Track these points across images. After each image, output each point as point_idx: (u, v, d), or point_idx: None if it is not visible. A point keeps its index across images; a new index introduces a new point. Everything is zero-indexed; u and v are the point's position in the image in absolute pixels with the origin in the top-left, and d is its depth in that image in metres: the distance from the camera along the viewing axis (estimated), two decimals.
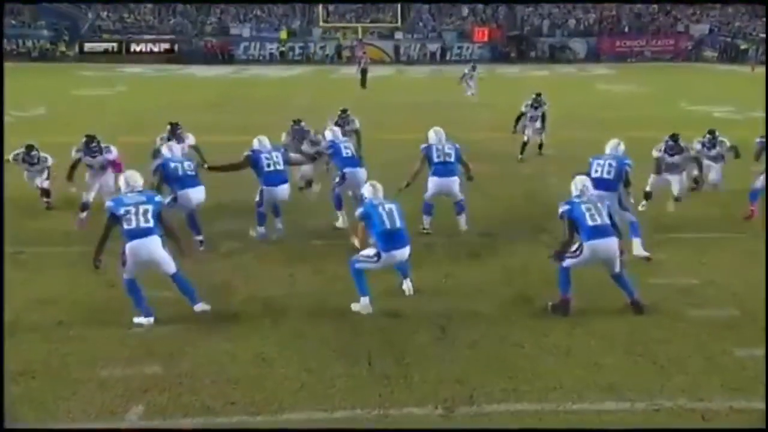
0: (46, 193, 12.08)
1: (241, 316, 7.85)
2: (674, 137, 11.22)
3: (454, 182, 10.43)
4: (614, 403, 5.97)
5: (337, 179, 10.88)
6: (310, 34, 55.06)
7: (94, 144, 11.46)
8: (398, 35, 54.44)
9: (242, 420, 5.80)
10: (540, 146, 16.69)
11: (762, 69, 37.93)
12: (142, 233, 7.17)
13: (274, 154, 10.29)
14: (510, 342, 7.14)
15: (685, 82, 36.57)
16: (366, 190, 8.23)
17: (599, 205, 7.80)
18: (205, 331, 7.41)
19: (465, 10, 57.17)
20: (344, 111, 14.23)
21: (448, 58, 53.03)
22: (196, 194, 9.82)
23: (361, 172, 10.76)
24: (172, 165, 9.83)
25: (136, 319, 7.41)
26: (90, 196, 11.26)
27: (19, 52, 49.76)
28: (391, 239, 7.67)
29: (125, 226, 7.17)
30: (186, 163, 9.99)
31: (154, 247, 7.30)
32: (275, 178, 10.14)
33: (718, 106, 23.44)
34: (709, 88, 30.15)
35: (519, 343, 7.09)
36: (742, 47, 48.47)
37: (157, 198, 7.79)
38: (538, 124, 16.34)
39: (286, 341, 7.09)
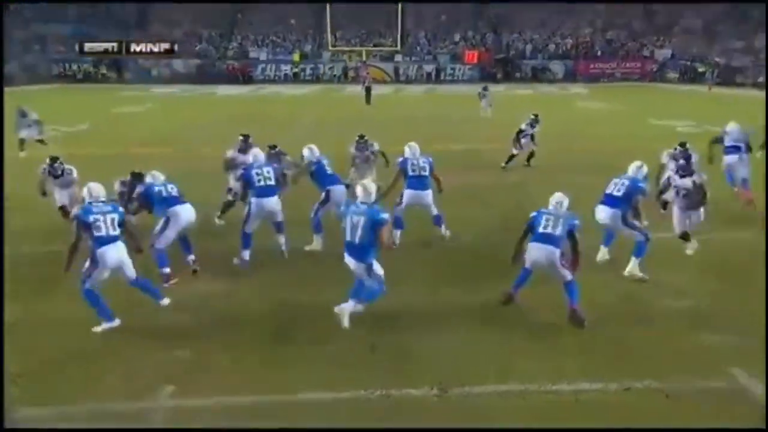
0: (65, 212, 10.44)
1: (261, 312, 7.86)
2: (685, 153, 10.38)
3: (428, 194, 9.95)
4: (588, 384, 5.98)
5: (321, 198, 9.87)
6: (320, 56, 55.18)
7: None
8: (398, 58, 54.54)
9: (257, 399, 5.83)
10: (529, 158, 16.35)
11: (718, 90, 37.99)
12: (110, 240, 6.98)
13: (265, 169, 9.31)
14: (498, 332, 7.11)
15: (650, 100, 36.59)
16: (357, 190, 7.27)
17: (561, 219, 7.40)
18: (225, 324, 7.43)
19: (457, 36, 57.33)
20: (362, 137, 12.71)
21: (442, 78, 53.27)
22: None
23: (344, 190, 9.96)
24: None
25: (101, 326, 7.07)
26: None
27: (66, 74, 50.10)
28: (348, 247, 7.06)
29: (95, 233, 6.93)
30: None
31: (122, 252, 7.12)
32: (265, 191, 9.15)
33: (680, 121, 23.52)
34: (671, 106, 30.26)
35: (507, 334, 7.06)
36: (700, 70, 48.44)
37: (121, 208, 7.58)
38: (529, 139, 16.13)
39: (299, 337, 7.06)
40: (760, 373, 6.01)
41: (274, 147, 11.63)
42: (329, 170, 10.06)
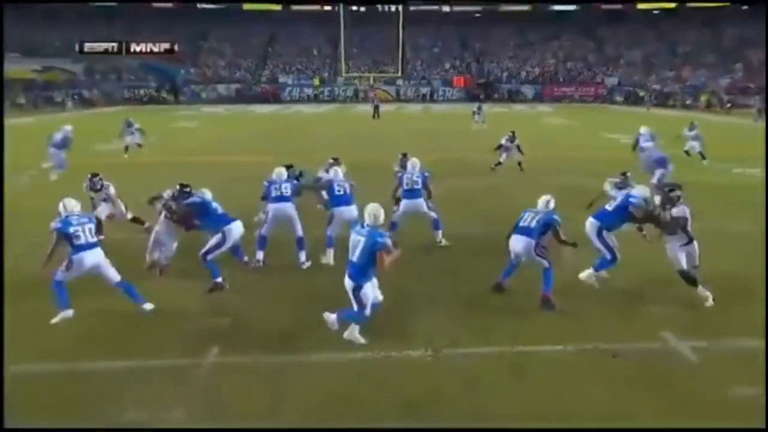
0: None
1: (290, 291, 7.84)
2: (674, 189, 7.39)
3: (420, 203, 9.23)
4: (551, 346, 6.02)
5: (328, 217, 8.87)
6: (335, 81, 55.08)
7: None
8: (399, 82, 54.47)
9: (285, 358, 5.83)
10: (519, 164, 16.03)
11: (654, 110, 37.68)
12: (89, 246, 6.59)
13: (283, 185, 8.56)
14: (481, 311, 7.07)
15: (602, 118, 36.32)
16: (365, 213, 6.11)
17: (540, 215, 7.07)
18: (255, 302, 7.43)
19: (447, 64, 57.20)
20: (404, 155, 11.36)
21: (435, 98, 53.23)
22: (350, 212, 8.53)
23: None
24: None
25: (58, 317, 6.55)
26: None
27: (134, 98, 50.14)
28: (347, 267, 6.02)
29: (75, 242, 6.52)
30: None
31: (99, 256, 6.68)
32: (279, 199, 8.47)
33: (624, 135, 23.33)
34: (618, 123, 30.08)
35: (488, 312, 7.03)
36: (640, 94, 48.08)
37: (94, 217, 7.17)
38: (514, 152, 15.97)
39: (315, 314, 6.81)
40: (686, 335, 6.14)
41: (289, 167, 9.76)
42: (338, 191, 8.70)
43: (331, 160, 10.86)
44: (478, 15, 59.93)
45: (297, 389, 5.33)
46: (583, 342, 6.09)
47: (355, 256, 5.91)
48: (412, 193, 9.28)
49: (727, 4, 52.29)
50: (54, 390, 5.32)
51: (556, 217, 7.09)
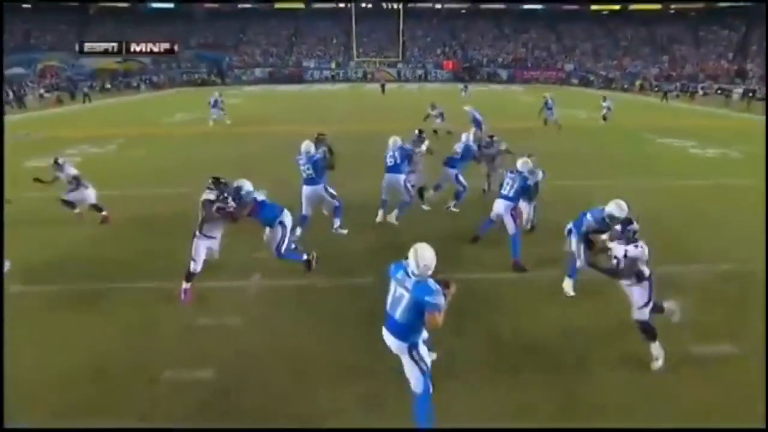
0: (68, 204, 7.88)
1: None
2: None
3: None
4: (517, 276, 6.06)
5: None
6: (348, 64, 53.79)
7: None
8: (399, 65, 53.11)
9: (312, 281, 5.92)
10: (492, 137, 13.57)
11: (601, 91, 36.79)
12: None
13: (306, 166, 7.01)
14: (465, 261, 6.85)
15: (562, 96, 34.98)
16: (409, 256, 3.42)
17: (517, 179, 6.32)
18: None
19: (438, 50, 55.69)
20: (491, 137, 9.29)
21: (428, 78, 51.81)
22: (312, 190, 7.14)
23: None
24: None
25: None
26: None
27: (191, 81, 48.87)
28: (387, 320, 3.59)
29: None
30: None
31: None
32: (307, 181, 7.07)
33: (579, 111, 23.10)
34: (574, 101, 29.29)
35: (470, 263, 6.71)
36: (591, 78, 46.65)
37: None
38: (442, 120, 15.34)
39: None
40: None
41: (322, 135, 8.25)
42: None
43: (416, 132, 8.92)
44: (463, 11, 58.56)
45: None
46: (545, 269, 6.06)
47: (396, 311, 3.51)
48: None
49: (660, 7, 52.48)
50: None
51: (529, 181, 6.44)
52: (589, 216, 5.17)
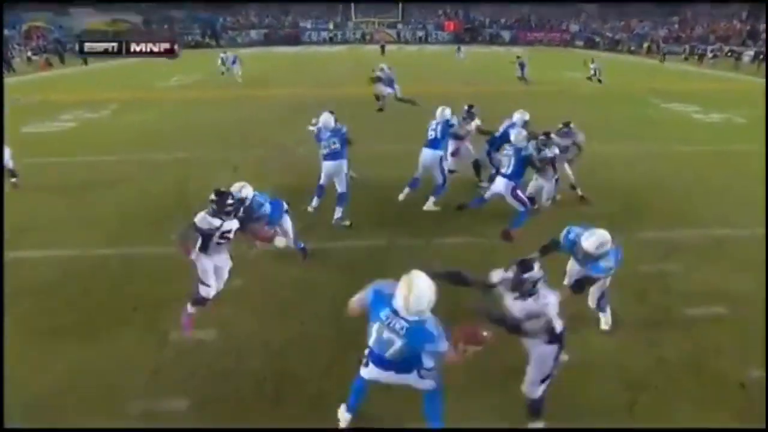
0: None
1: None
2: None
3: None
4: (505, 244, 5.97)
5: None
6: (347, 25, 52.45)
7: None
8: (399, 26, 51.66)
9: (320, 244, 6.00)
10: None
11: (606, 54, 36.02)
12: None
13: (332, 140, 6.35)
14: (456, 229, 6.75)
15: (566, 59, 34.23)
16: (398, 296, 2.64)
17: (513, 158, 5.88)
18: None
19: (440, 11, 54.17)
20: (566, 124, 6.97)
21: (429, 40, 50.46)
22: (330, 166, 6.48)
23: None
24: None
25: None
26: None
27: (184, 42, 47.48)
28: (375, 359, 2.89)
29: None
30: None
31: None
32: (329, 156, 6.38)
33: (580, 73, 22.71)
34: (577, 63, 28.63)
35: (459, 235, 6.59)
36: (596, 40, 45.38)
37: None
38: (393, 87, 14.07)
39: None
40: None
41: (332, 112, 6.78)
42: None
43: (466, 107, 7.73)
44: None
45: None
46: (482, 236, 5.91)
47: (386, 353, 2.78)
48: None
49: None
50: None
51: (526, 153, 5.97)
52: (572, 235, 3.96)
